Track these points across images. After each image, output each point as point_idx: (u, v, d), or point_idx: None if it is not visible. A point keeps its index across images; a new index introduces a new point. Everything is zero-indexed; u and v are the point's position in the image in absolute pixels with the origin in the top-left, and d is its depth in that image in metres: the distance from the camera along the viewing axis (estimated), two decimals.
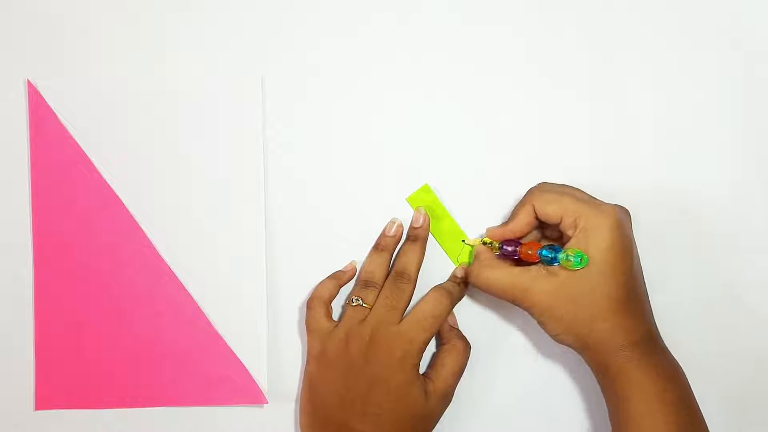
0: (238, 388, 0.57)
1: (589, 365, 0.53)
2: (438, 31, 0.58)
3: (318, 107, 0.58)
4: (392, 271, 0.56)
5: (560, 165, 0.58)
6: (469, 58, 0.58)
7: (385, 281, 0.56)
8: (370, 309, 0.55)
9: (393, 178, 0.58)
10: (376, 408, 0.53)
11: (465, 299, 0.57)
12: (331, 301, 0.57)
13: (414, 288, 0.55)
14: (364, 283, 0.56)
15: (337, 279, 0.57)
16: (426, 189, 0.58)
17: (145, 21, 0.58)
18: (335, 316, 0.57)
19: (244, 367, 0.57)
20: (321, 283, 0.57)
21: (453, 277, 0.57)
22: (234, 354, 0.57)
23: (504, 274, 0.53)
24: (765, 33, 0.58)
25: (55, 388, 0.57)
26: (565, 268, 0.51)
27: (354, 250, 0.58)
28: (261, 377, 0.57)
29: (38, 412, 0.58)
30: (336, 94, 0.58)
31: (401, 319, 0.54)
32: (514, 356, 0.58)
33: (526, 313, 0.53)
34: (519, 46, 0.58)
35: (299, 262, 0.58)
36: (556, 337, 0.52)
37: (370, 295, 0.55)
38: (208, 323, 0.57)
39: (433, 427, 0.55)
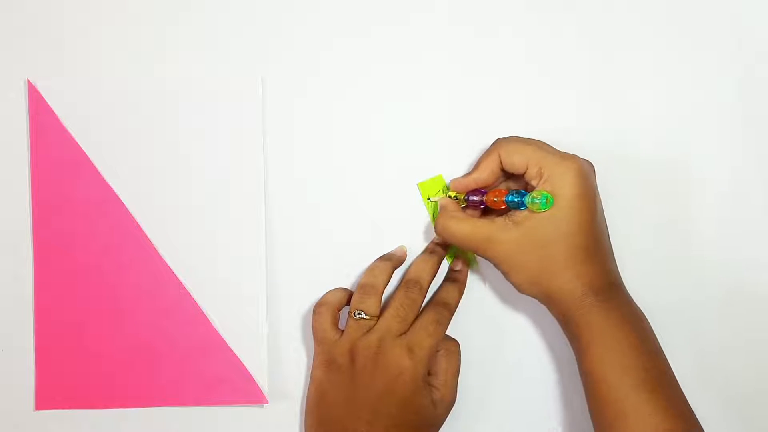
0: (238, 388, 0.57)
1: (554, 316, 0.53)
2: (438, 30, 0.58)
3: (318, 107, 0.58)
4: (404, 279, 0.56)
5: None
6: (469, 58, 0.58)
7: (384, 288, 0.55)
8: (375, 318, 0.54)
9: (393, 177, 0.58)
10: (385, 418, 0.52)
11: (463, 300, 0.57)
12: (339, 309, 0.56)
13: (424, 300, 0.55)
14: (363, 291, 0.55)
15: (347, 290, 0.57)
16: (439, 179, 0.57)
17: (145, 21, 0.58)
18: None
19: (244, 367, 0.57)
20: (331, 290, 0.57)
21: (451, 270, 0.58)
22: (234, 354, 0.57)
23: (469, 225, 0.53)
24: (765, 33, 0.58)
25: (55, 388, 0.57)
26: (531, 212, 0.51)
27: (354, 250, 0.58)
28: (261, 377, 0.57)
29: (38, 412, 0.58)
30: (336, 94, 0.58)
31: (407, 329, 0.54)
32: (513, 355, 0.58)
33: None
34: (519, 46, 0.58)
35: (299, 262, 0.58)
36: (520, 287, 0.52)
37: (372, 305, 0.54)
38: (208, 323, 0.57)
39: (438, 431, 0.55)
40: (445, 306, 0.55)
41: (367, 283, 0.55)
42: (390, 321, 0.53)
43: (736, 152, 0.58)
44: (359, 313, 0.54)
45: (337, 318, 0.56)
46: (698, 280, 0.58)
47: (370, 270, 0.56)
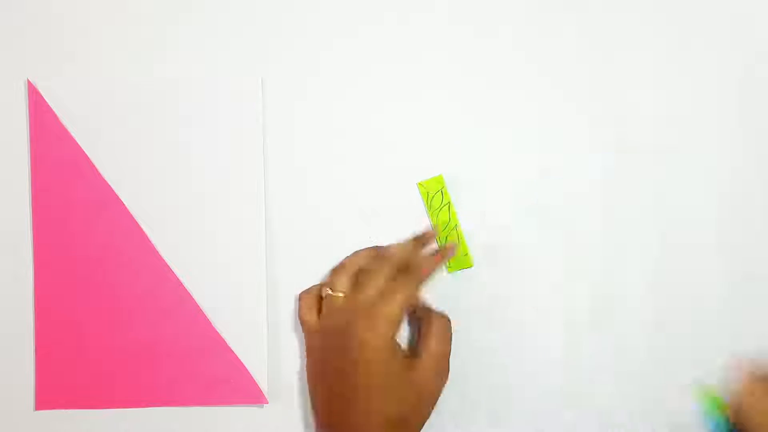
0: (238, 388, 0.57)
1: None
2: (438, 30, 0.58)
3: (318, 107, 0.58)
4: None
5: (559, 164, 0.58)
6: (469, 59, 0.58)
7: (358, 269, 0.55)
8: (343, 294, 0.54)
9: (393, 177, 0.58)
10: (364, 391, 0.51)
11: (463, 300, 0.57)
12: (319, 294, 0.56)
13: (391, 272, 0.53)
14: (335, 269, 0.55)
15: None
16: (439, 179, 0.57)
17: (146, 21, 0.58)
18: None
19: (244, 367, 0.57)
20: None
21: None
22: (234, 354, 0.57)
23: None
24: (765, 33, 0.58)
25: (55, 388, 0.58)
26: None
27: (354, 250, 0.58)
28: (261, 377, 0.57)
29: (38, 412, 0.58)
30: (336, 94, 0.58)
31: (372, 301, 0.52)
32: (511, 355, 0.58)
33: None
34: (519, 46, 0.58)
35: (299, 262, 0.58)
36: None
37: (340, 281, 0.54)
38: (208, 323, 0.57)
39: (433, 405, 0.54)
40: (412, 273, 0.53)
41: (341, 263, 0.56)
42: (353, 294, 0.53)
43: (736, 152, 0.58)
44: (327, 290, 0.54)
45: (320, 304, 0.56)
46: (698, 279, 0.58)
47: (352, 253, 0.56)
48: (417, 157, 0.58)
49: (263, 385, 0.57)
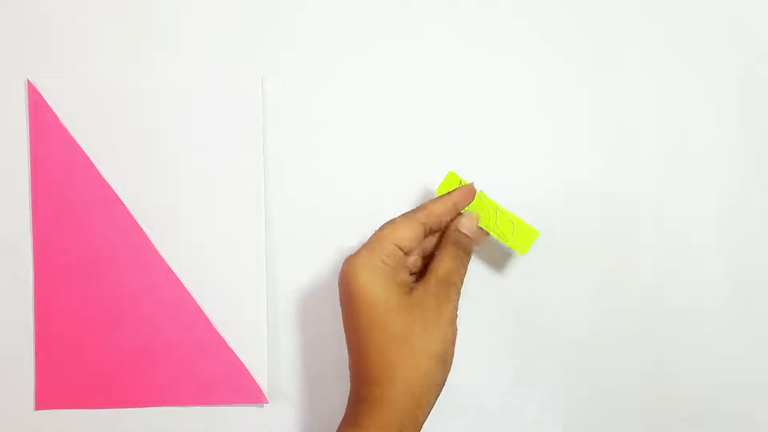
0: (238, 388, 0.57)
1: None
2: (439, 30, 0.58)
3: (318, 107, 0.58)
4: None
5: (559, 162, 0.58)
6: (468, 57, 0.58)
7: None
8: None
9: (393, 177, 0.58)
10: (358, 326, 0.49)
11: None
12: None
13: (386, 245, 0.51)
14: None
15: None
16: (452, 176, 0.55)
17: (146, 21, 0.58)
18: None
19: (244, 367, 0.57)
20: None
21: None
22: (234, 354, 0.57)
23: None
24: (765, 33, 0.58)
25: (55, 388, 0.58)
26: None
27: (355, 251, 0.58)
28: (261, 377, 0.57)
29: (38, 412, 0.58)
30: (336, 94, 0.58)
31: None
32: (506, 355, 0.58)
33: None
34: (517, 43, 0.58)
35: (299, 262, 0.58)
36: None
37: None
38: (208, 323, 0.57)
39: (437, 330, 0.49)
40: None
41: None
42: None
43: (736, 152, 0.58)
44: None
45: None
46: (698, 279, 0.58)
47: None
48: (418, 156, 0.58)
49: (263, 385, 0.57)
